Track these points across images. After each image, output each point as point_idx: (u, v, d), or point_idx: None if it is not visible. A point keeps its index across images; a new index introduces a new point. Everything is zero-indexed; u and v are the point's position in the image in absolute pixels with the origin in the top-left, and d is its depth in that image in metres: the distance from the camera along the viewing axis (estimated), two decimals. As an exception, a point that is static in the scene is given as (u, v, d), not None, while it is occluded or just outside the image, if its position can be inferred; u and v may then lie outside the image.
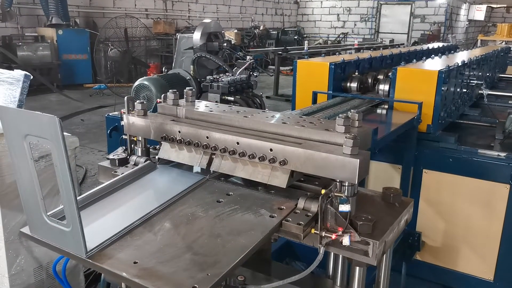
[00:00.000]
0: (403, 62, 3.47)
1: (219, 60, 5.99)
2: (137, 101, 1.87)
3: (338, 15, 22.33)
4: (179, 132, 1.75)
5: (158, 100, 2.08)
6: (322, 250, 1.41)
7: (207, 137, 1.68)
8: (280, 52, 10.66)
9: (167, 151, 1.79)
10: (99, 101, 9.86)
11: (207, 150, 1.68)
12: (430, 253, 3.33)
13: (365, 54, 4.18)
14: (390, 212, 1.58)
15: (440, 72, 3.01)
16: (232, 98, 4.31)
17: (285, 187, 1.54)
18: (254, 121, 1.74)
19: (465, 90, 3.85)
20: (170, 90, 2.00)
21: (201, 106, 1.97)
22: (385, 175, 3.37)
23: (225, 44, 11.71)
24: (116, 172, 1.80)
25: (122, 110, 2.00)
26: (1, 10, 10.51)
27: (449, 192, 3.19)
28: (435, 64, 3.49)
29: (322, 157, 1.46)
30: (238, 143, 1.61)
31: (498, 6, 26.74)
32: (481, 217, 3.11)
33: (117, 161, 1.87)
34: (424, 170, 3.23)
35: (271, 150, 1.55)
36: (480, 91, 4.23)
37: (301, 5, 23.08)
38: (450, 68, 3.17)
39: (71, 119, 8.37)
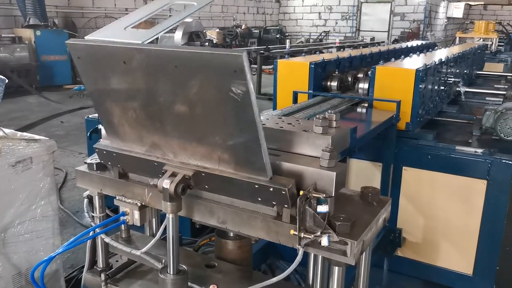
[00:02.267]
0: (381, 61, 3.51)
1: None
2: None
3: (319, 13, 22.44)
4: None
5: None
6: (301, 251, 1.42)
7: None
8: (262, 51, 10.67)
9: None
10: (80, 103, 9.72)
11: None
12: (411, 249, 3.38)
13: (345, 53, 4.22)
14: (368, 211, 1.59)
15: (417, 71, 3.06)
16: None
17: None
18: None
19: (442, 88, 3.91)
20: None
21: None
22: (366, 173, 3.41)
23: (207, 43, 11.74)
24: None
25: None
26: (-24, 11, 10.30)
27: (429, 188, 3.24)
28: (413, 62, 3.54)
29: (301, 169, 1.47)
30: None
31: (476, 3, 27.21)
32: (459, 212, 3.17)
33: (95, 165, 1.85)
34: (403, 167, 3.28)
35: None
36: (457, 89, 4.31)
37: (282, 4, 23.14)
38: (427, 66, 3.22)
39: (50, 121, 8.25)
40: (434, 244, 3.31)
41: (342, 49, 9.16)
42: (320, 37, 20.87)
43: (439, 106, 3.91)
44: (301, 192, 1.42)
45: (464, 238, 3.19)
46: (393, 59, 3.76)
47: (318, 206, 1.42)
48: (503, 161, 2.96)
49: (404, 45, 6.18)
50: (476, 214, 3.10)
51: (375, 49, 4.81)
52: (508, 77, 5.93)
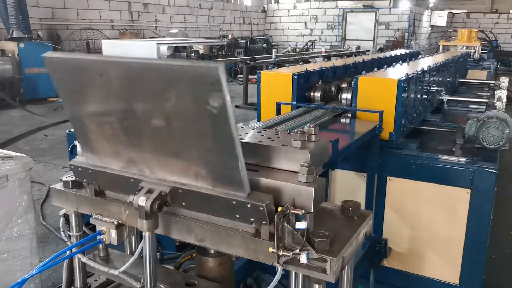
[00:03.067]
0: (364, 71, 3.52)
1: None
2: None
3: (305, 23, 22.63)
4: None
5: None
6: (280, 269, 1.39)
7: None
8: (248, 62, 10.69)
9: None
10: (64, 115, 9.61)
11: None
12: (397, 259, 3.36)
13: (329, 64, 4.22)
14: (349, 226, 1.57)
15: (399, 80, 3.06)
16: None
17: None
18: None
19: (426, 97, 3.93)
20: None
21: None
22: (351, 184, 3.40)
23: (192, 54, 11.74)
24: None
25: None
26: (-42, 24, 10.18)
27: (413, 198, 3.24)
28: (395, 72, 3.56)
29: (277, 185, 1.45)
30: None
31: (459, 11, 27.71)
32: (444, 222, 3.17)
33: (70, 183, 1.80)
34: (388, 177, 3.27)
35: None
36: (440, 97, 4.34)
37: (268, 14, 23.29)
38: (409, 76, 3.23)
39: (34, 134, 8.13)
40: (420, 254, 3.30)
41: (326, 59, 9.22)
42: (306, 47, 21.02)
43: (423, 115, 3.92)
44: (280, 209, 1.40)
45: (449, 248, 3.18)
46: (376, 69, 3.77)
47: (296, 222, 1.39)
48: (486, 169, 2.97)
49: (388, 54, 6.23)
50: (461, 223, 3.10)
51: (358, 59, 4.84)
52: (490, 84, 6.00)
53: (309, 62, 11.81)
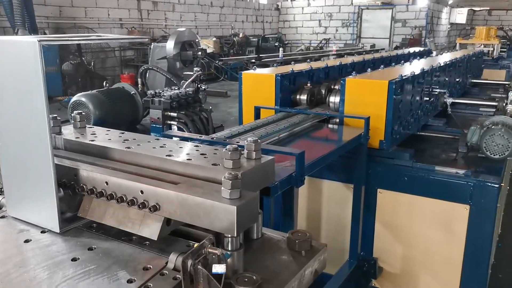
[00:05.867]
0: (354, 72, 3.20)
1: (166, 73, 5.65)
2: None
3: (319, 21, 22.18)
4: (46, 168, 1.44)
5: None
6: (188, 325, 1.11)
7: (75, 175, 1.38)
8: (254, 60, 10.40)
9: (33, 192, 1.48)
10: (66, 115, 9.49)
11: (74, 191, 1.38)
12: (389, 280, 3.05)
13: (321, 63, 3.91)
14: (291, 264, 1.29)
15: (390, 83, 2.74)
16: (175, 114, 3.99)
17: (156, 239, 1.24)
18: (134, 153, 1.45)
19: (426, 99, 3.59)
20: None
21: (87, 134, 1.66)
22: (337, 195, 3.09)
23: (199, 53, 11.48)
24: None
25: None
26: (-37, 22, 10.13)
27: (406, 213, 2.92)
28: (389, 73, 3.22)
29: (196, 202, 1.17)
30: (107, 183, 1.32)
31: (480, 9, 26.86)
32: (441, 240, 2.84)
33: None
34: (378, 189, 2.96)
35: (142, 192, 1.26)
36: (444, 100, 3.98)
37: (282, 12, 22.92)
38: (404, 77, 2.91)
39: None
40: (414, 275, 2.98)
41: (330, 57, 8.87)
42: (320, 45, 20.59)
43: (423, 119, 3.58)
44: (196, 245, 1.12)
45: (446, 269, 2.85)
46: (369, 69, 3.44)
47: (214, 265, 1.11)
48: (487, 183, 2.63)
49: (393, 53, 5.86)
50: (459, 243, 2.77)
51: (357, 58, 4.50)
52: (506, 85, 5.58)
53: (322, 60, 11.42)
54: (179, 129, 4.09)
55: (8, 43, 1.31)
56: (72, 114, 1.77)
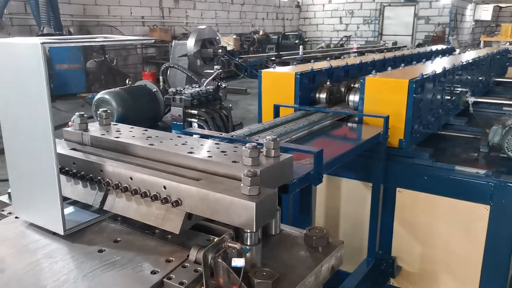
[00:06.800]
0: (374, 71, 3.20)
1: (187, 71, 5.72)
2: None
3: (340, 18, 22.03)
4: (74, 163, 1.51)
5: (69, 123, 1.85)
6: (209, 315, 1.15)
7: (101, 171, 1.44)
8: (273, 58, 10.42)
9: (62, 186, 1.54)
10: (89, 112, 9.69)
11: (101, 185, 1.44)
12: (407, 279, 3.05)
13: (341, 62, 3.91)
14: (308, 260, 1.32)
15: (411, 82, 2.74)
16: (195, 112, 4.05)
17: (177, 232, 1.29)
18: (157, 150, 1.50)
19: (448, 98, 3.56)
20: (76, 113, 1.78)
21: (112, 131, 1.73)
22: (356, 194, 3.10)
23: (219, 50, 11.55)
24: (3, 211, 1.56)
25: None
26: (-9, 21, 10.43)
27: (426, 213, 2.90)
28: (410, 72, 3.21)
29: (216, 198, 1.21)
30: (131, 178, 1.37)
31: (507, 5, 26.20)
32: (460, 240, 2.83)
33: (10, 196, 1.63)
34: (397, 188, 2.95)
35: (164, 187, 1.30)
36: (466, 99, 3.93)
37: (303, 9, 22.83)
38: (424, 76, 2.90)
39: (56, 131, 8.19)
40: (433, 275, 2.97)
41: (351, 55, 8.81)
42: (341, 42, 20.45)
43: (444, 118, 3.55)
44: (216, 239, 1.17)
45: (465, 269, 2.83)
46: (389, 68, 3.42)
47: (233, 259, 1.15)
48: (509, 184, 2.60)
49: (415, 51, 5.80)
50: (479, 243, 2.74)
51: (378, 56, 4.48)
52: (532, 84, 5.48)
53: (343, 58, 11.35)
54: (199, 126, 4.15)
55: (11, 45, 1.30)
56: (98, 112, 1.83)
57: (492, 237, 2.69)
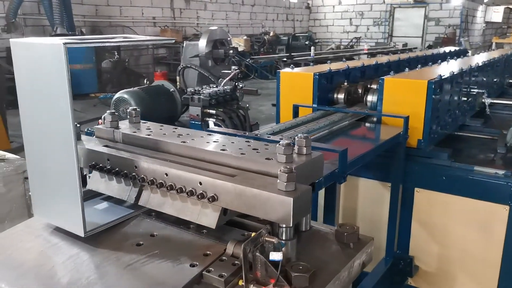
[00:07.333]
0: (392, 72, 3.22)
1: (204, 71, 5.76)
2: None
3: (350, 19, 22.01)
4: (108, 160, 1.55)
5: (100, 121, 1.90)
6: (247, 307, 1.19)
7: (136, 167, 1.48)
8: (285, 59, 10.45)
9: (96, 182, 1.59)
10: (102, 112, 9.77)
11: (135, 181, 1.48)
12: (425, 278, 3.06)
13: (357, 62, 3.94)
14: (340, 255, 1.35)
15: (429, 82, 2.75)
16: (213, 111, 4.10)
17: (214, 227, 1.32)
18: (190, 147, 1.54)
19: (464, 99, 3.57)
20: (107, 111, 1.82)
21: (142, 129, 1.77)
22: (374, 193, 3.11)
23: (231, 51, 11.60)
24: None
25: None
26: (6, 21, 10.56)
27: (444, 213, 2.92)
28: (427, 73, 3.23)
29: (253, 193, 1.25)
30: (167, 174, 1.41)
31: (517, 7, 25.99)
32: (478, 241, 2.83)
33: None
34: (416, 188, 2.97)
35: (200, 183, 1.34)
36: (482, 100, 3.94)
37: (313, 10, 22.85)
38: (443, 77, 2.91)
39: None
40: (451, 275, 2.98)
41: (361, 56, 8.82)
42: (351, 44, 20.43)
43: (460, 119, 3.56)
44: (253, 234, 1.20)
45: (483, 270, 2.84)
46: (407, 69, 3.44)
47: (271, 253, 1.18)
48: (528, 184, 2.61)
49: (429, 52, 5.80)
50: (497, 243, 2.75)
51: (393, 58, 4.50)
52: (546, 86, 5.46)
53: (353, 59, 11.38)
54: (216, 125, 4.20)
55: (33, 46, 1.30)
56: (128, 110, 1.87)
57: (511, 238, 2.70)
